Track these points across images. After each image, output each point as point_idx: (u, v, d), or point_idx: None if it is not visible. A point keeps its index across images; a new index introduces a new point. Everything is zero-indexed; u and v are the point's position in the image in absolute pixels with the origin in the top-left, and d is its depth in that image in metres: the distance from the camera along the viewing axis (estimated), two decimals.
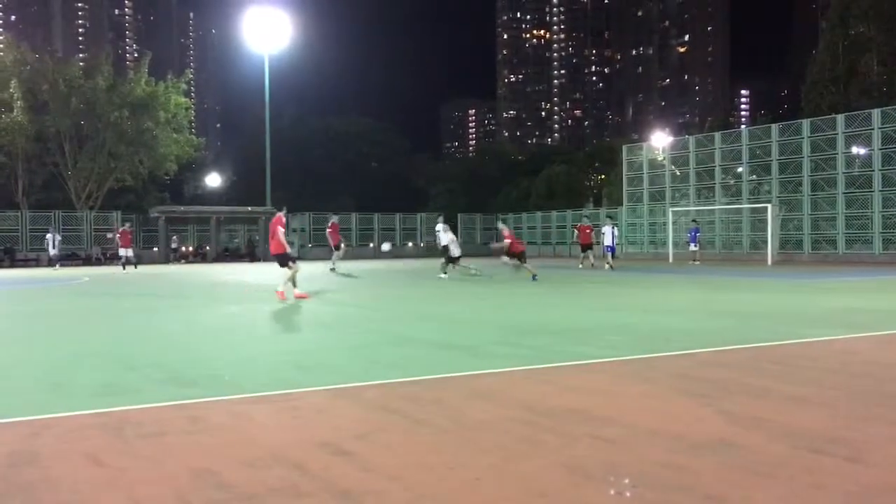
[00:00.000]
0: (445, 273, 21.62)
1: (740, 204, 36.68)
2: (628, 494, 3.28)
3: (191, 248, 46.60)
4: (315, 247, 46.37)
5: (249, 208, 48.73)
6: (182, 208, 49.95)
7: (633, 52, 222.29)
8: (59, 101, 46.46)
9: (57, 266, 34.02)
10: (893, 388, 5.57)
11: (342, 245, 27.01)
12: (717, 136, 39.36)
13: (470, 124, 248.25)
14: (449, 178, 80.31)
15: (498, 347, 7.83)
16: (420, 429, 4.47)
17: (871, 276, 21.05)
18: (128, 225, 31.60)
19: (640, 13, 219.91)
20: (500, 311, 12.06)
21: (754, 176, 37.39)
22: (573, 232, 32.91)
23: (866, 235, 32.39)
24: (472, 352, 7.59)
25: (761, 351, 7.41)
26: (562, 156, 74.30)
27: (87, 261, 42.52)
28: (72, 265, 39.82)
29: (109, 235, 36.37)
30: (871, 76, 46.92)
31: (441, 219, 25.50)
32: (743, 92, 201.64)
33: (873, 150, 32.05)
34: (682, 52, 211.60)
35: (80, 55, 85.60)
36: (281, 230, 14.17)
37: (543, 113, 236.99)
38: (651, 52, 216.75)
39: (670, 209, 38.14)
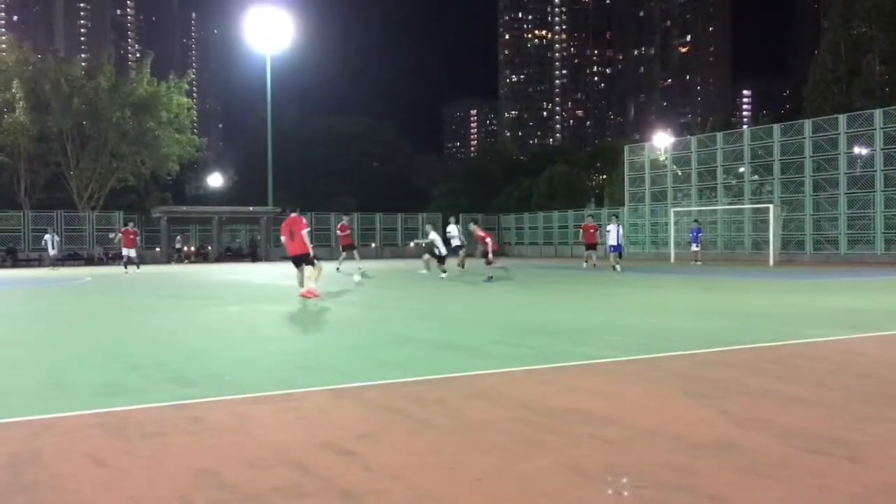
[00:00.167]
0: (445, 272, 21.65)
1: (742, 204, 36.67)
2: (629, 495, 3.28)
3: (192, 249, 46.63)
4: (316, 246, 46.33)
5: (251, 208, 48.76)
6: (184, 208, 50.00)
7: (635, 52, 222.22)
8: (62, 102, 46.51)
9: (56, 266, 34.07)
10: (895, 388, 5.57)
11: (355, 246, 27.18)
12: (719, 136, 39.35)
13: (472, 124, 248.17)
14: (451, 179, 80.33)
15: (499, 347, 7.83)
16: (422, 429, 4.47)
17: (873, 277, 21.03)
18: (130, 225, 31.60)
19: (641, 13, 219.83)
20: (501, 311, 12.06)
21: (756, 176, 37.37)
22: (577, 232, 32.68)
23: (868, 236, 32.37)
24: (473, 352, 7.58)
25: (763, 351, 7.41)
26: (563, 156, 74.23)
27: (90, 261, 42.57)
28: (74, 265, 39.88)
29: (111, 235, 36.38)
30: (874, 76, 46.88)
31: (453, 220, 25.63)
32: (745, 92, 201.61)
33: (875, 150, 32.02)
34: (683, 52, 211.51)
35: (83, 55, 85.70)
36: (305, 231, 14.13)
37: (545, 113, 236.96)
38: (653, 52, 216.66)
39: (672, 209, 38.12)
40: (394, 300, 14.91)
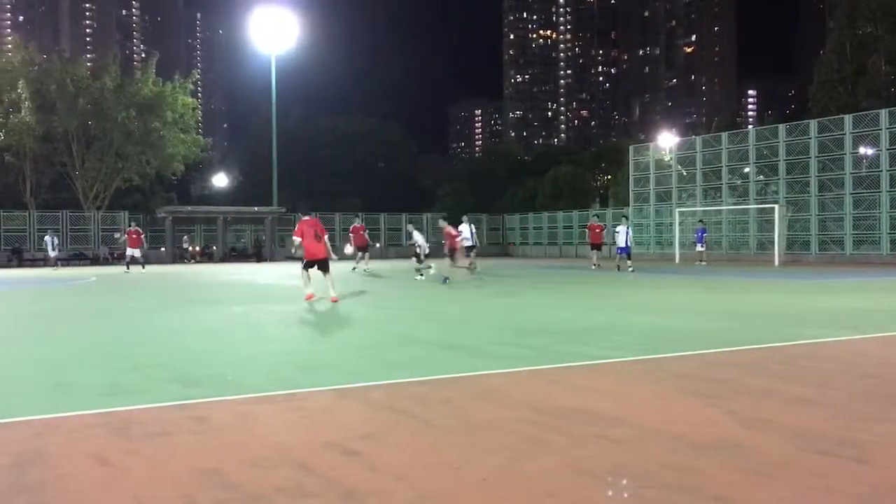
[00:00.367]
0: (422, 275, 21.20)
1: (747, 204, 36.60)
2: (635, 495, 3.27)
3: (197, 248, 46.72)
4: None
5: (256, 208, 48.82)
6: (189, 208, 50.08)
7: (640, 52, 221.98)
8: (67, 102, 46.62)
9: (58, 265, 34.14)
10: None
11: (367, 247, 27.15)
12: (724, 136, 39.28)
13: (476, 124, 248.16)
14: (455, 179, 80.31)
15: (503, 348, 7.82)
16: (426, 429, 4.46)
17: (879, 277, 20.97)
18: (133, 225, 31.71)
19: (646, 13, 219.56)
20: (504, 312, 12.05)
21: (761, 176, 37.31)
22: (582, 232, 32.46)
23: (874, 236, 32.28)
24: (477, 352, 7.58)
25: (768, 352, 7.39)
26: (568, 156, 74.18)
27: (95, 261, 42.65)
28: (79, 265, 39.98)
29: (117, 235, 36.51)
30: (879, 76, 46.80)
31: (465, 219, 25.51)
32: (750, 92, 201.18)
33: (881, 150, 31.94)
34: (688, 53, 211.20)
35: (88, 56, 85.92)
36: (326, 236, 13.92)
37: (550, 113, 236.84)
38: (658, 52, 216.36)
39: (677, 209, 38.07)
40: (397, 300, 14.91)
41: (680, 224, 37.00)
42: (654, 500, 3.20)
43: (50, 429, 4.58)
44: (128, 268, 29.55)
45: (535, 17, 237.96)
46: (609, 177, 69.49)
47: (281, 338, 9.13)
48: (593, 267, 27.00)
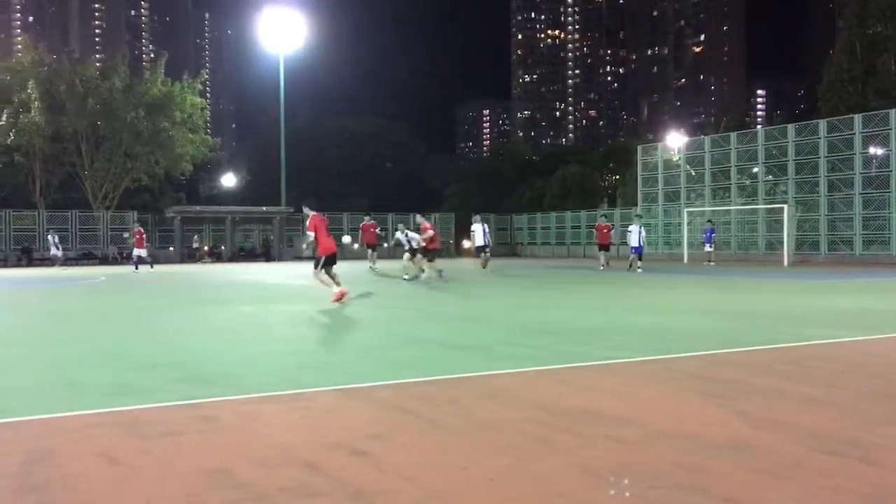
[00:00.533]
0: (407, 276, 20.24)
1: (756, 204, 36.49)
2: (644, 495, 3.26)
3: (206, 248, 46.90)
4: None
5: (264, 208, 48.93)
6: (197, 208, 50.25)
7: (649, 51, 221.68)
8: (76, 102, 46.83)
9: (62, 265, 34.25)
10: None
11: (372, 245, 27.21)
12: (733, 136, 39.17)
13: (484, 124, 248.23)
14: (463, 179, 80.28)
15: (509, 348, 7.81)
16: (433, 429, 4.46)
17: (889, 278, 20.87)
18: (137, 225, 31.91)
19: (655, 13, 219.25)
20: (510, 311, 12.04)
21: (770, 176, 37.20)
22: (590, 232, 32.30)
23: (883, 236, 32.16)
24: (484, 352, 7.57)
25: (777, 352, 7.36)
26: (576, 156, 74.07)
27: (104, 260, 42.82)
28: (88, 264, 40.14)
29: (126, 235, 36.68)
30: (889, 76, 46.57)
31: (479, 218, 25.45)
32: (759, 92, 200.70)
33: (891, 150, 31.82)
34: (697, 52, 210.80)
35: (97, 56, 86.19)
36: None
37: (558, 113, 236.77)
38: (666, 51, 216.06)
39: (685, 209, 37.99)
40: (403, 300, 14.91)
41: (688, 224, 36.91)
42: (663, 500, 3.19)
43: (59, 428, 4.60)
44: (136, 267, 29.65)
45: (543, 17, 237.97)
46: (617, 177, 69.39)
47: (287, 338, 9.15)
48: (601, 267, 26.89)
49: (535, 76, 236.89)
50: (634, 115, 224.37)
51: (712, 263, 31.22)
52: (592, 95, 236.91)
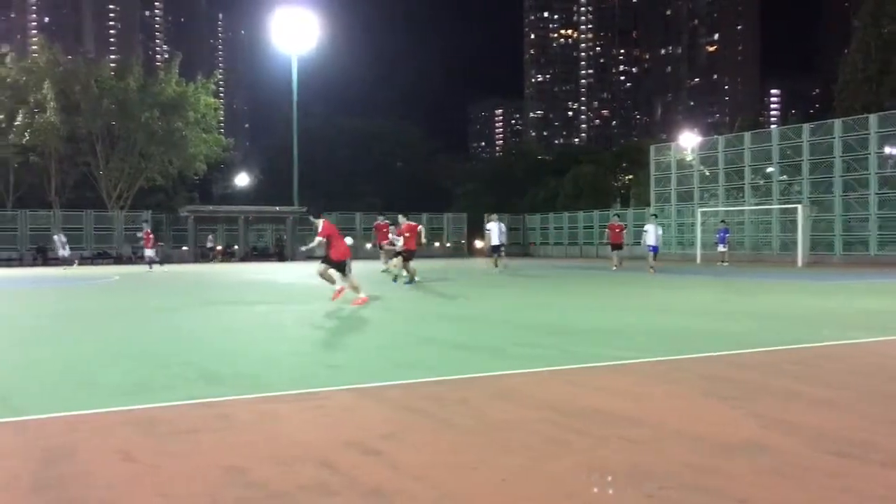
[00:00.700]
0: (396, 278, 19.55)
1: (770, 205, 36.30)
2: (656, 496, 3.27)
3: (219, 248, 47.10)
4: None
5: (277, 208, 49.07)
6: (211, 208, 50.46)
7: (662, 51, 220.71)
8: (91, 102, 47.14)
9: (74, 264, 34.41)
10: None
11: (385, 245, 27.06)
12: (747, 135, 38.98)
13: (497, 124, 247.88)
14: (475, 178, 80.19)
15: (521, 348, 7.83)
16: (446, 429, 4.49)
17: None
18: (145, 225, 32.14)
19: (668, 12, 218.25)
20: (522, 312, 12.05)
21: (785, 176, 36.98)
22: (603, 232, 32.09)
23: None
24: (495, 352, 7.59)
25: (790, 353, 7.34)
26: (589, 156, 73.86)
27: (118, 260, 43.08)
28: (103, 264, 40.40)
29: (139, 234, 36.91)
30: None
31: (496, 217, 25.32)
32: (773, 91, 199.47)
33: None
34: (711, 52, 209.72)
35: (112, 56, 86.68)
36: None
37: (571, 113, 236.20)
38: (680, 51, 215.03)
39: (699, 210, 37.84)
40: (413, 300, 14.92)
41: (702, 224, 36.77)
42: (675, 500, 3.20)
43: (77, 426, 4.66)
44: (150, 267, 29.83)
45: (556, 16, 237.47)
46: (630, 177, 69.11)
47: (300, 337, 9.20)
48: (614, 268, 26.76)
49: (547, 76, 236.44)
50: (648, 114, 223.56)
51: (726, 264, 31.09)
52: (605, 95, 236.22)
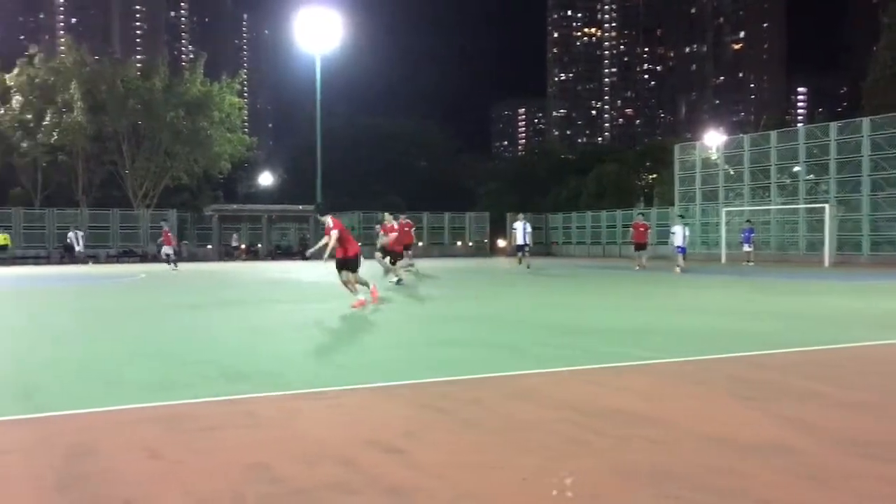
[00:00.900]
0: (399, 278, 19.00)
1: (796, 204, 35.91)
2: (677, 496, 3.26)
3: (243, 246, 47.38)
4: (363, 245, 46.70)
5: (300, 207, 49.30)
6: (235, 206, 50.81)
7: (687, 49, 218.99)
8: (118, 102, 47.62)
9: (88, 262, 34.74)
10: None
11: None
12: (773, 134, 38.58)
13: (520, 123, 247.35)
14: (498, 178, 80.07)
15: (541, 348, 7.81)
16: (466, 428, 4.49)
17: None
18: (165, 224, 32.48)
19: (693, 10, 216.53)
20: (541, 311, 12.02)
21: (811, 175, 36.56)
22: (627, 231, 31.82)
23: None
24: (515, 351, 7.58)
25: (815, 354, 7.27)
26: (612, 155, 73.44)
27: (144, 258, 43.51)
28: (129, 262, 40.82)
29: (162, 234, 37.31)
30: None
31: (521, 216, 25.21)
32: (800, 89, 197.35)
33: None
34: (736, 49, 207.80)
35: (138, 57, 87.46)
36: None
37: (594, 112, 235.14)
38: (705, 49, 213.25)
39: (724, 209, 37.53)
40: (433, 300, 14.92)
41: (727, 224, 36.46)
42: (696, 501, 3.19)
43: (101, 422, 4.71)
44: (175, 265, 30.08)
45: (579, 14, 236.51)
46: (654, 176, 68.66)
47: (321, 336, 9.25)
48: (637, 268, 26.59)
49: (571, 74, 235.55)
50: (672, 113, 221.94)
51: (751, 264, 30.80)
52: (629, 94, 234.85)
